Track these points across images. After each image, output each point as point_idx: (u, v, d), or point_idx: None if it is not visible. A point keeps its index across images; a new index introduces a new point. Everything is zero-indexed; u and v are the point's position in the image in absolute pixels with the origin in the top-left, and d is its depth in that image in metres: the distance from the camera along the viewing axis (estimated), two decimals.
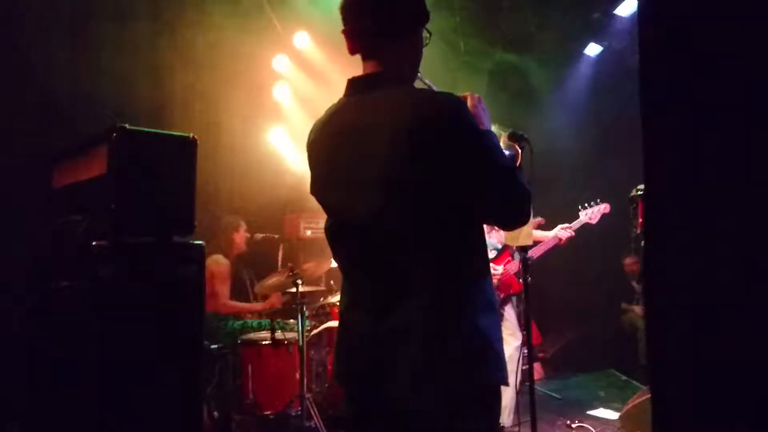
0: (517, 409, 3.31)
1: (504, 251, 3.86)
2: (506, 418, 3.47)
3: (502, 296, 3.72)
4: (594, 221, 4.06)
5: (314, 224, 5.00)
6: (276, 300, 4.33)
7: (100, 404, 1.99)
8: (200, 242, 2.13)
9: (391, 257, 1.40)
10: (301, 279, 3.64)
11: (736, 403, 1.21)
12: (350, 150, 1.42)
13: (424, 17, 1.53)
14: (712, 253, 1.24)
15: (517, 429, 3.25)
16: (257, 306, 4.34)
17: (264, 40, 5.12)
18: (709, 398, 1.24)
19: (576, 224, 4.02)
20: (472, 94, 1.62)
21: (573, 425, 3.88)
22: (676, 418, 1.30)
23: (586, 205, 4.10)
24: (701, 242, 1.26)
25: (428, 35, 1.57)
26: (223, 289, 4.10)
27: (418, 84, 1.60)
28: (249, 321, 4.25)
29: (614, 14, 5.18)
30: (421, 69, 1.61)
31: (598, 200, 4.10)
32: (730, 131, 1.22)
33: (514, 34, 5.70)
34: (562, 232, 3.90)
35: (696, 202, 1.26)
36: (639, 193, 2.60)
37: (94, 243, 1.98)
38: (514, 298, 3.90)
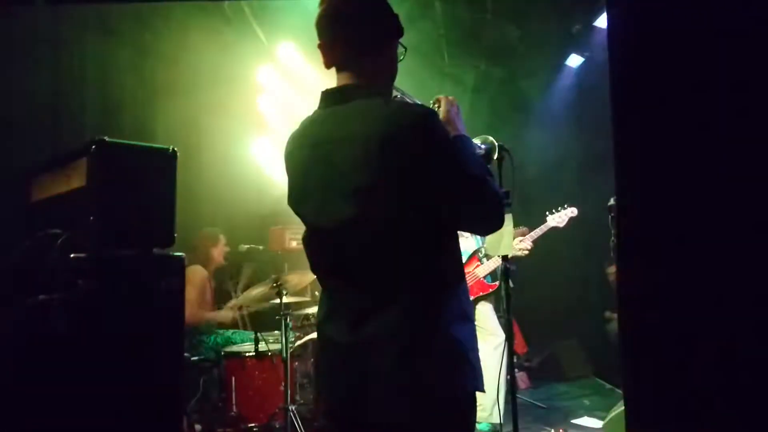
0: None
1: (473, 256, 3.91)
2: (496, 416, 3.46)
3: (472, 298, 3.76)
4: (562, 225, 4.10)
5: (300, 236, 4.97)
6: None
7: (79, 418, 1.97)
8: (180, 254, 2.13)
9: (365, 267, 1.42)
10: (285, 290, 3.63)
11: (706, 407, 1.23)
12: (324, 161, 1.44)
13: (398, 32, 1.56)
14: (681, 263, 1.27)
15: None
16: (225, 315, 4.20)
17: (249, 52, 5.14)
18: (679, 403, 1.27)
19: (539, 231, 4.05)
20: (446, 97, 1.65)
21: None
22: (649, 421, 1.32)
23: (553, 210, 4.13)
24: (670, 254, 1.28)
25: (404, 50, 1.59)
26: (192, 297, 3.96)
27: (394, 96, 1.63)
28: (232, 337, 4.22)
29: (594, 26, 5.26)
30: (403, 82, 1.64)
31: (566, 205, 4.14)
32: (699, 145, 1.26)
33: (497, 46, 5.77)
34: (521, 245, 3.92)
35: (666, 215, 1.30)
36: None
37: (72, 256, 1.97)
38: (492, 298, 3.95)
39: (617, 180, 1.36)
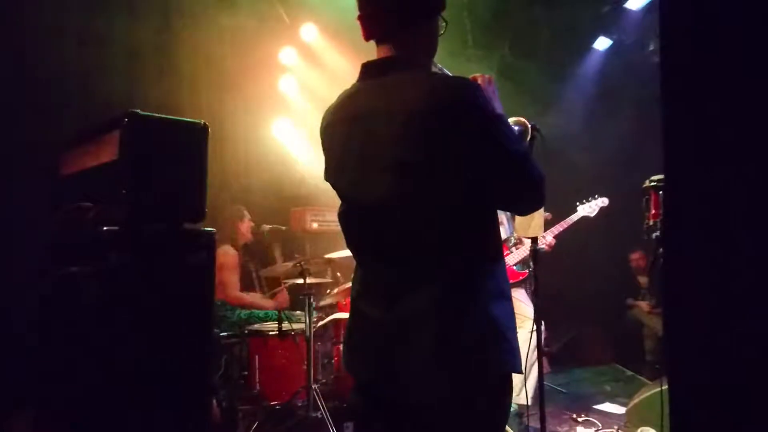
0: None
1: (502, 244, 3.89)
2: (523, 397, 3.45)
3: None
4: (592, 215, 4.05)
5: (321, 217, 5.01)
6: (283, 300, 4.36)
7: (109, 390, 1.99)
8: (211, 229, 2.12)
9: (404, 242, 1.39)
10: (309, 271, 3.64)
11: (751, 397, 1.19)
12: (364, 134, 1.41)
13: (440, 5, 1.52)
14: (731, 245, 1.23)
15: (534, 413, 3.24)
16: (267, 303, 4.33)
17: (271, 32, 5.11)
18: (724, 392, 1.23)
19: (570, 220, 4.00)
20: (483, 75, 1.60)
21: (579, 419, 3.88)
22: (692, 410, 1.29)
23: (584, 200, 4.09)
24: (720, 235, 1.24)
25: (444, 24, 1.56)
26: (233, 280, 4.13)
27: (432, 70, 1.59)
28: (256, 312, 4.26)
29: (624, 7, 5.14)
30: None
31: (597, 195, 4.09)
32: (750, 124, 1.21)
33: (523, 27, 5.67)
34: (542, 240, 3.87)
35: (715, 195, 1.25)
36: (652, 184, 2.57)
37: (104, 228, 1.97)
38: (525, 284, 3.94)
39: (667, 164, 1.30)
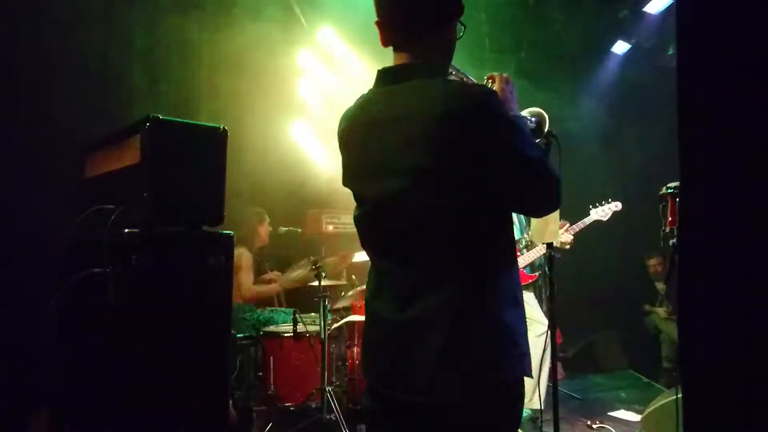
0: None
1: None
2: (536, 402, 3.43)
3: None
4: (605, 219, 4.04)
5: (336, 220, 5.04)
6: (278, 280, 4.40)
7: (129, 390, 2.02)
8: (229, 232, 2.16)
9: (418, 246, 1.41)
10: (324, 272, 3.66)
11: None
12: (380, 140, 1.43)
13: (458, 10, 1.52)
14: (747, 251, 1.22)
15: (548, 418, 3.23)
16: (273, 287, 4.38)
17: (289, 35, 5.15)
18: (739, 401, 1.22)
19: (582, 224, 3.99)
20: (501, 75, 1.59)
21: (594, 426, 3.85)
22: (707, 420, 1.28)
23: (597, 204, 4.07)
24: (736, 241, 1.24)
25: (462, 28, 1.56)
26: (247, 279, 4.19)
27: (451, 76, 1.60)
28: (275, 316, 4.29)
29: (643, 11, 5.10)
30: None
31: (610, 199, 4.07)
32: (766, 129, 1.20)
33: (540, 31, 5.65)
34: (562, 238, 3.85)
35: (731, 201, 1.24)
36: (669, 191, 2.56)
37: (126, 231, 2.01)
38: (531, 287, 3.93)
39: (683, 171, 1.30)
